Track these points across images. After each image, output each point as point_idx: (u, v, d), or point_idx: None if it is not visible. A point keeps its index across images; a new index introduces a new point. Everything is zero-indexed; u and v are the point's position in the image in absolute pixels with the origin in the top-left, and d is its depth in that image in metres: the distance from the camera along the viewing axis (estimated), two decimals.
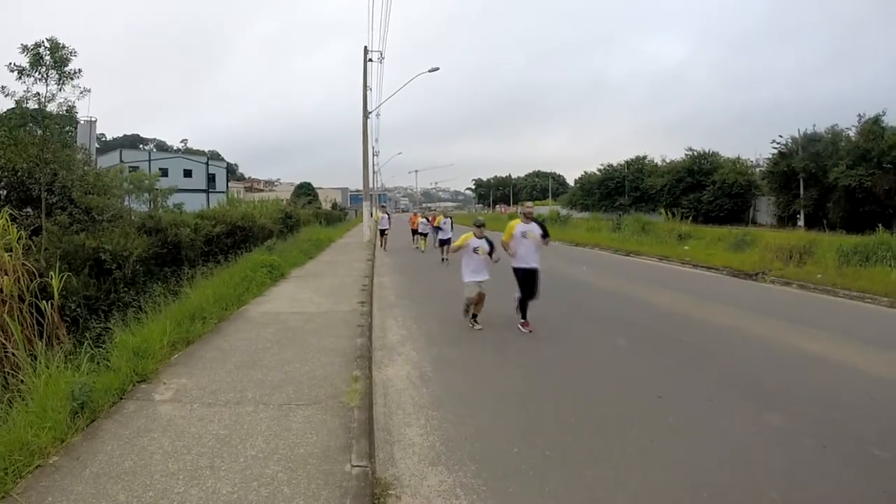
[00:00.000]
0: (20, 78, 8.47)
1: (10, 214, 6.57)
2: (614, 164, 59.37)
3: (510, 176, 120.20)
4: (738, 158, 46.54)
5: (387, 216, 23.86)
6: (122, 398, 4.45)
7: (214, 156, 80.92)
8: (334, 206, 69.06)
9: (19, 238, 6.32)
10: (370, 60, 24.79)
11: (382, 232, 22.71)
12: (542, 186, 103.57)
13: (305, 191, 67.18)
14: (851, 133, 35.09)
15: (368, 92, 24.81)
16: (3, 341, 5.27)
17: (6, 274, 5.73)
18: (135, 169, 33.81)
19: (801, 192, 36.54)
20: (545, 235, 7.46)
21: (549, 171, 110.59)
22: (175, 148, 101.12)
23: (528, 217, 7.53)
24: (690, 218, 34.68)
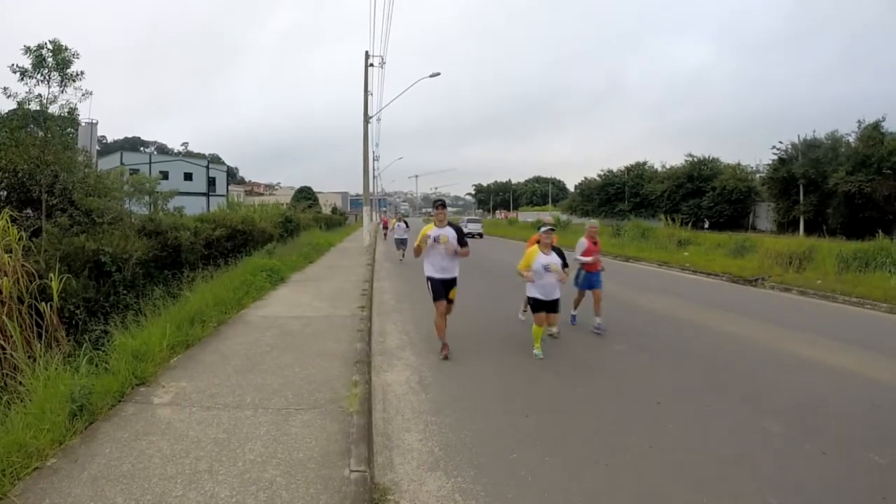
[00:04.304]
0: (22, 79, 8.51)
1: (11, 215, 6.57)
2: (614, 170, 59.56)
3: (510, 181, 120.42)
4: (739, 164, 46.70)
5: (403, 226, 19.07)
6: (120, 401, 4.43)
7: (215, 159, 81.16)
8: (334, 210, 69.00)
9: (19, 239, 6.32)
10: (371, 65, 24.86)
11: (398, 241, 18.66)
12: (542, 192, 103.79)
13: (306, 195, 67.18)
14: (851, 139, 35.26)
15: (369, 96, 24.85)
16: (2, 343, 5.27)
17: (6, 275, 5.73)
18: (135, 172, 33.96)
19: (801, 197, 36.67)
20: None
21: (551, 176, 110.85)
22: (176, 151, 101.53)
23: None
24: (690, 224, 34.74)
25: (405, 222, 19.55)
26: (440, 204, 6.57)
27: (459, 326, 7.58)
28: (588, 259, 7.82)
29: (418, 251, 6.43)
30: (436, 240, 6.33)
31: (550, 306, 6.41)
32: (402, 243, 18.49)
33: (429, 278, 6.48)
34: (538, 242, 6.59)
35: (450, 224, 6.53)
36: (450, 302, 6.51)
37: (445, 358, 6.22)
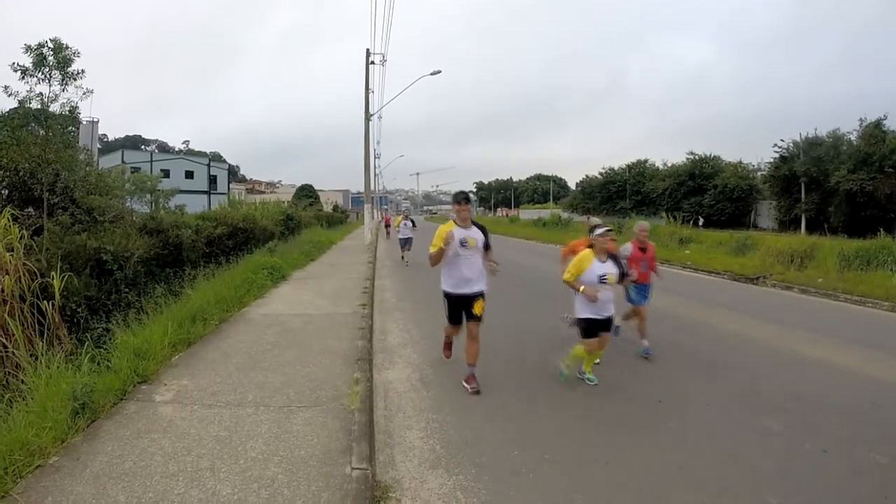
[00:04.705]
0: (23, 78, 8.51)
1: (12, 214, 6.58)
2: (616, 168, 59.51)
3: (511, 179, 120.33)
4: (740, 162, 46.65)
5: (409, 224, 16.96)
6: (122, 399, 4.44)
7: (216, 157, 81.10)
8: (335, 208, 69.03)
9: (21, 238, 6.33)
10: (372, 63, 24.84)
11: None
12: (543, 190, 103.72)
13: (307, 193, 67.26)
14: (853, 137, 35.21)
15: (370, 94, 24.84)
16: (4, 341, 5.28)
17: (7, 274, 5.74)
18: (137, 170, 33.94)
19: (803, 196, 36.63)
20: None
21: (553, 174, 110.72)
22: (177, 149, 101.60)
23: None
24: (692, 222, 34.71)
25: (412, 220, 17.27)
26: (464, 198, 5.09)
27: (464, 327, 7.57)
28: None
29: (438, 258, 4.93)
30: (462, 243, 4.96)
31: (604, 325, 5.06)
32: (406, 243, 16.67)
33: (446, 294, 5.18)
34: (590, 247, 5.18)
35: (475, 224, 5.15)
36: (476, 319, 5.05)
37: (447, 358, 5.75)
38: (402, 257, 16.70)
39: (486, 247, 5.12)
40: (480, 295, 5.08)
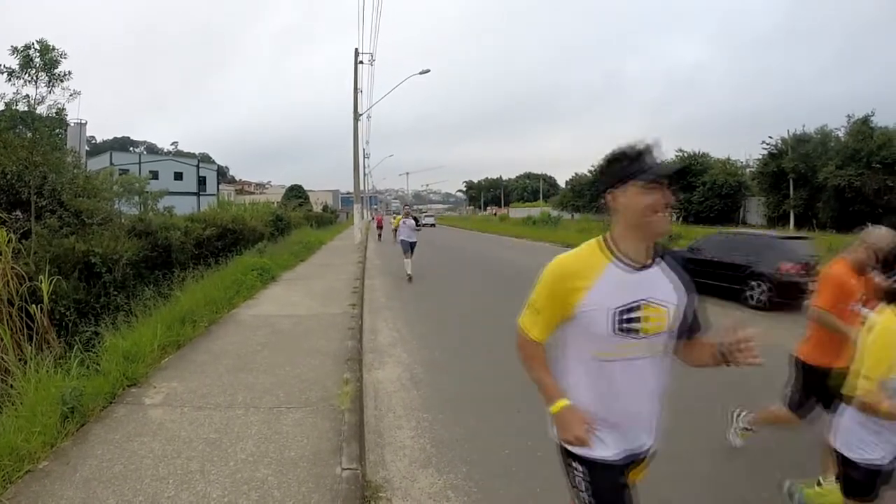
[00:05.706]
0: (10, 80, 8.45)
1: (0, 218, 6.54)
2: None
3: (501, 178, 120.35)
4: (728, 159, 46.91)
5: (411, 223, 13.75)
6: (112, 402, 4.43)
7: (205, 158, 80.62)
8: (325, 208, 68.81)
9: (9, 241, 6.29)
10: (360, 62, 24.79)
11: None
12: (532, 188, 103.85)
13: (296, 193, 66.90)
14: (841, 133, 35.54)
15: (359, 94, 24.80)
16: None
17: None
18: (125, 172, 33.71)
19: (791, 192, 36.88)
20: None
21: (544, 172, 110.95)
22: (165, 150, 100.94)
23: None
24: (680, 219, 34.90)
25: (415, 219, 14.30)
26: (669, 173, 1.58)
27: (455, 325, 7.60)
28: None
29: (538, 363, 2.03)
30: (625, 324, 1.65)
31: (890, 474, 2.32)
32: (409, 248, 13.47)
33: (575, 459, 1.94)
34: (890, 297, 2.23)
35: (666, 253, 1.74)
36: None
37: None
38: (407, 271, 13.18)
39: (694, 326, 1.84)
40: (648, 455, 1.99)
